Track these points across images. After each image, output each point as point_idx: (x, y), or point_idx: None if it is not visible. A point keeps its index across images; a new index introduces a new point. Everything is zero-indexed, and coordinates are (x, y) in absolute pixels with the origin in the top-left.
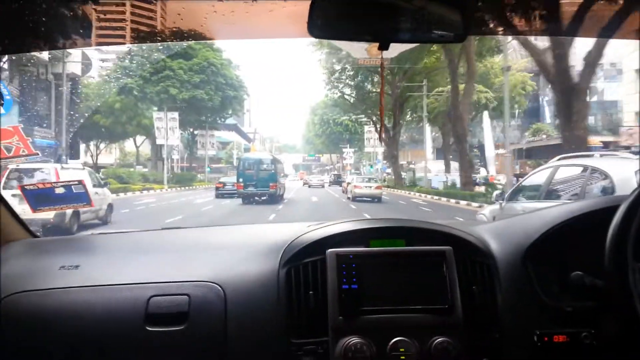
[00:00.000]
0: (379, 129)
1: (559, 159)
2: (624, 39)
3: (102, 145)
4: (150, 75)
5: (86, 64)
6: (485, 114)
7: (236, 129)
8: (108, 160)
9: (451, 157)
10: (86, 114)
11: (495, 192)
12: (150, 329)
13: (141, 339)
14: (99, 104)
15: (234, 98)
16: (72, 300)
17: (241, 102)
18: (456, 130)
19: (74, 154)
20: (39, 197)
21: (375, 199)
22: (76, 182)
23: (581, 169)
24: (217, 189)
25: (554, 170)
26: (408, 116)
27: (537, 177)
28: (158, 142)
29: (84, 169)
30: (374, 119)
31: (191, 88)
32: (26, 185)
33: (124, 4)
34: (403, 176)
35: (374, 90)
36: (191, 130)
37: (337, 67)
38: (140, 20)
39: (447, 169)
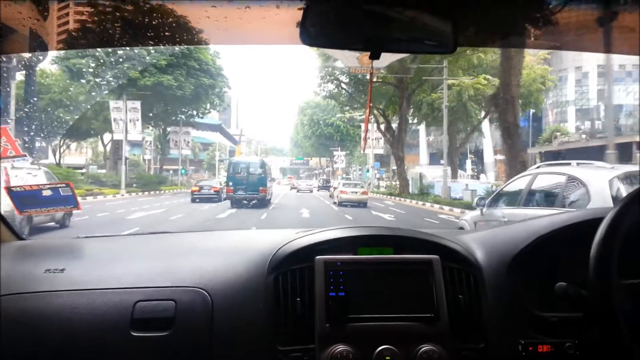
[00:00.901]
0: (381, 128)
1: (537, 167)
2: (620, 54)
3: (73, 144)
4: (105, 55)
5: (39, 50)
6: (471, 118)
7: (220, 130)
8: (79, 161)
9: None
10: (49, 109)
11: (476, 198)
12: (135, 334)
13: (126, 344)
14: (63, 97)
15: (210, 87)
16: (57, 304)
17: (221, 95)
18: (505, 120)
19: (37, 153)
20: (26, 199)
21: (361, 204)
22: (64, 185)
23: (559, 176)
24: (192, 193)
25: (533, 177)
26: (421, 109)
27: (517, 183)
28: (116, 137)
29: (39, 168)
30: (376, 112)
31: (156, 72)
32: (12, 187)
33: (116, 8)
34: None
35: (377, 79)
36: (162, 126)
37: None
38: (131, 24)
39: (454, 175)
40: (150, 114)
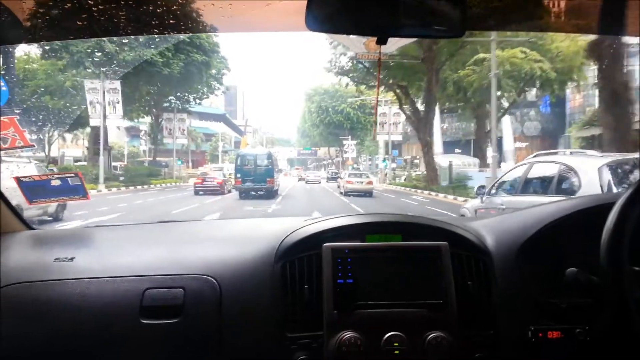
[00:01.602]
0: (404, 108)
1: (533, 156)
2: (632, 36)
3: (69, 136)
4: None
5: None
6: (504, 99)
7: (225, 120)
8: (76, 153)
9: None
10: (34, 97)
11: (477, 186)
12: (144, 321)
13: (136, 332)
14: (49, 83)
15: (205, 66)
16: (67, 292)
17: (219, 77)
18: (616, 92)
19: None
20: (35, 189)
21: (367, 194)
22: (72, 175)
23: (553, 165)
24: (195, 185)
25: (529, 166)
26: (445, 89)
27: (515, 172)
28: (93, 122)
29: (30, 162)
30: (398, 91)
31: (137, 46)
32: (22, 177)
33: None
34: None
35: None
36: (155, 112)
37: None
38: (135, 13)
39: (483, 164)
40: (137, 97)
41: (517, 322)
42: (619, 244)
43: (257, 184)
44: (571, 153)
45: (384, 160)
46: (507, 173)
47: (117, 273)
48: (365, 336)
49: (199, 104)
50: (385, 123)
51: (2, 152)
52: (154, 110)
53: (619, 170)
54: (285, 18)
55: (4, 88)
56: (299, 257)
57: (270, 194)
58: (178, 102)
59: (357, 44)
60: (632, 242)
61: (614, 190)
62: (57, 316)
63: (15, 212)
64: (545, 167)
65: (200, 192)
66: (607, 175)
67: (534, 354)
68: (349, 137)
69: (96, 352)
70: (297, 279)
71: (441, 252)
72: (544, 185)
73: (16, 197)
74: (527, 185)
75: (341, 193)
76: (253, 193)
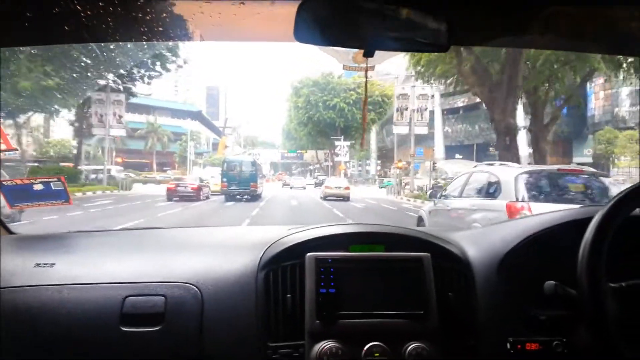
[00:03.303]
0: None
1: (474, 166)
2: (616, 54)
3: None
4: None
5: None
6: (426, 128)
7: (201, 118)
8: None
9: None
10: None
11: (430, 191)
12: (125, 329)
13: (116, 339)
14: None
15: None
16: (47, 298)
17: (173, 47)
18: None
19: None
20: (17, 193)
21: (345, 199)
22: (55, 179)
23: (484, 174)
24: (167, 191)
25: (469, 175)
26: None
27: (460, 179)
28: None
29: None
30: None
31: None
32: (4, 180)
33: (110, 3)
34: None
35: None
36: (79, 95)
37: None
38: (122, 20)
39: (540, 160)
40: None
41: (497, 333)
42: (596, 259)
43: (242, 187)
44: (500, 164)
45: (417, 165)
46: (455, 180)
47: (97, 279)
48: (347, 346)
49: (149, 83)
50: (406, 109)
51: None
52: (71, 88)
53: (531, 178)
54: (273, 28)
55: None
56: (282, 266)
57: (254, 197)
58: (119, 82)
59: (345, 56)
60: (609, 257)
61: (524, 193)
62: (37, 322)
63: None
64: (480, 175)
65: (174, 198)
66: (521, 182)
67: None
68: (342, 137)
69: (75, 359)
70: (280, 288)
71: (423, 263)
72: (477, 190)
73: None
74: (466, 190)
75: (321, 198)
76: (238, 196)
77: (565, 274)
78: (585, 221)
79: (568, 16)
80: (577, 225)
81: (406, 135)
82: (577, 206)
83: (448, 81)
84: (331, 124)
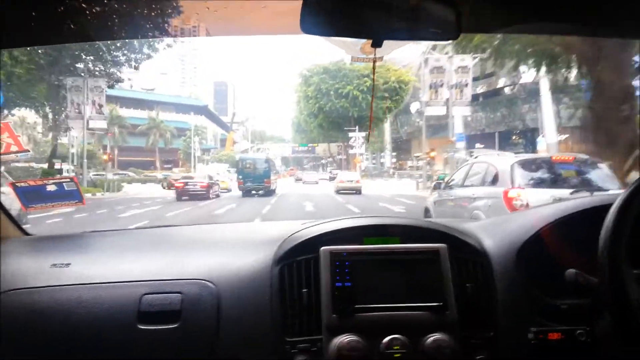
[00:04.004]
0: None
1: (475, 157)
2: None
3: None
4: None
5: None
6: (544, 80)
7: (207, 113)
8: None
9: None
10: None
11: (435, 183)
12: (142, 327)
13: (134, 338)
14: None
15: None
16: (63, 298)
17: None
18: None
19: None
20: (31, 194)
21: (357, 192)
22: (68, 180)
23: (483, 164)
24: (176, 190)
25: (470, 165)
26: None
27: (462, 170)
28: None
29: None
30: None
31: None
32: (17, 182)
33: (117, 1)
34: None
35: None
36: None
37: None
38: (132, 17)
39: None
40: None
41: (518, 324)
42: (617, 245)
43: (256, 184)
44: (498, 154)
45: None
46: (457, 171)
47: (114, 278)
48: (365, 340)
49: (136, 67)
50: (442, 86)
51: None
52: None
53: (526, 166)
54: (280, 21)
55: None
56: (297, 260)
57: (268, 192)
58: (101, 66)
59: (353, 47)
60: (631, 243)
61: (520, 180)
62: (54, 323)
63: (12, 218)
64: (479, 165)
65: (184, 197)
66: (516, 170)
67: (535, 355)
68: (356, 128)
69: (93, 358)
70: (295, 282)
71: (440, 254)
72: (478, 179)
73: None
74: (467, 180)
75: (335, 192)
76: (253, 192)
77: (586, 261)
78: (604, 208)
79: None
80: (596, 212)
81: (420, 123)
82: (589, 194)
83: (486, 53)
84: (344, 113)
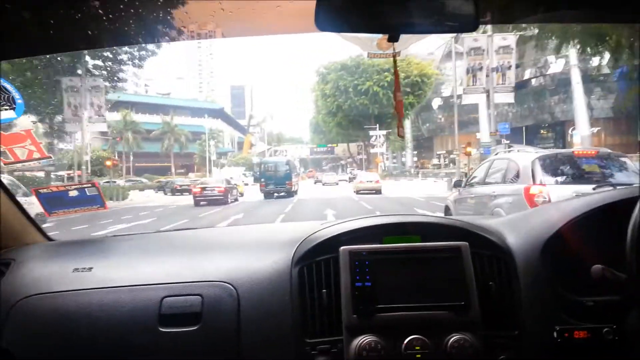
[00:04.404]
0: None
1: (496, 154)
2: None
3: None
4: None
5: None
6: (575, 70)
7: (223, 116)
8: None
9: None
10: None
11: (454, 180)
12: (163, 329)
13: (155, 340)
14: None
15: None
16: (85, 302)
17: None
18: None
19: None
20: (53, 200)
21: (376, 192)
22: (90, 185)
23: (504, 160)
24: (194, 195)
25: (491, 162)
26: None
27: (483, 167)
28: None
29: None
30: None
31: None
32: (39, 188)
33: (131, 4)
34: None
35: None
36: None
37: None
38: (146, 21)
39: None
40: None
41: (542, 322)
42: None
43: (278, 186)
44: (518, 150)
45: (488, 150)
46: (478, 168)
47: (134, 282)
48: (386, 340)
49: (140, 66)
50: (480, 69)
51: (20, 164)
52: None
53: (547, 162)
54: (294, 19)
55: (19, 100)
56: (316, 261)
57: (290, 194)
58: (104, 66)
59: (368, 44)
60: None
61: (541, 176)
62: (77, 326)
63: (35, 223)
64: (500, 162)
65: (202, 203)
66: (537, 166)
67: (560, 354)
68: (377, 126)
69: None
70: (315, 283)
71: (461, 252)
72: (498, 176)
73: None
74: (488, 178)
75: (355, 192)
76: (275, 194)
77: (613, 257)
78: (631, 201)
79: None
80: (621, 206)
81: (441, 120)
82: (610, 188)
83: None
84: (364, 111)
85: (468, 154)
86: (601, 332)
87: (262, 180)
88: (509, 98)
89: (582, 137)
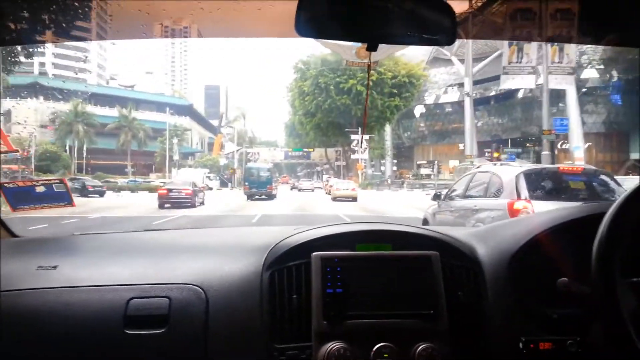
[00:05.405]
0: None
1: (477, 167)
2: (621, 46)
3: None
4: None
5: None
6: (571, 79)
7: (191, 114)
8: None
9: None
10: None
11: (434, 193)
12: (129, 331)
13: (120, 342)
14: None
15: None
16: (49, 301)
17: None
18: None
19: None
20: (19, 195)
21: (352, 199)
22: (57, 181)
23: (487, 174)
24: (159, 197)
25: (472, 175)
26: None
27: (464, 180)
28: None
29: None
30: None
31: None
32: (5, 182)
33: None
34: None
35: None
36: None
37: None
38: (122, 17)
39: None
40: None
41: (509, 333)
42: (610, 255)
43: (260, 189)
44: (501, 164)
45: (513, 156)
46: (458, 182)
47: (101, 282)
48: (355, 347)
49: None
50: (529, 40)
51: None
52: None
53: (532, 177)
54: (274, 23)
55: None
56: (288, 266)
57: (270, 196)
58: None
59: (348, 51)
60: (624, 253)
61: (525, 192)
62: (41, 325)
63: None
64: (482, 175)
65: (166, 205)
66: (521, 181)
67: None
68: (359, 129)
69: None
70: (285, 288)
71: (432, 261)
72: (480, 190)
73: None
74: (469, 191)
75: (332, 199)
76: (257, 196)
77: (578, 271)
78: (598, 217)
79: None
80: (590, 221)
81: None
82: (582, 203)
83: None
84: (345, 112)
85: (498, 157)
86: (565, 344)
87: (246, 183)
88: (570, 82)
89: (573, 151)
